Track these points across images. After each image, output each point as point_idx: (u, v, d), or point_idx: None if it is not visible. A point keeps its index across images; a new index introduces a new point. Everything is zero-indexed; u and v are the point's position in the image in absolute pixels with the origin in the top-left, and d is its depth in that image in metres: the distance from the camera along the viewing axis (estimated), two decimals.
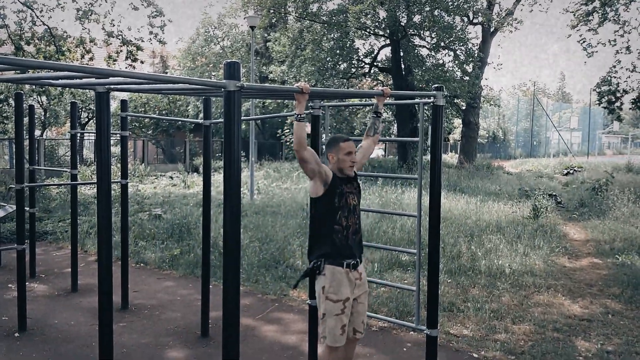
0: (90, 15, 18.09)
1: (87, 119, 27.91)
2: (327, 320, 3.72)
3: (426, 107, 4.53)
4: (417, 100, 4.36)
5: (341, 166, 3.73)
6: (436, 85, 4.16)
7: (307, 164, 3.60)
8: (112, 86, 3.32)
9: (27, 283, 6.38)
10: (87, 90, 24.55)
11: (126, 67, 18.33)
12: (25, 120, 6.84)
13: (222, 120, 2.85)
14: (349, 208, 3.69)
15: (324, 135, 5.34)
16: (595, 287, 7.70)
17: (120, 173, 7.11)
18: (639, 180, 18.60)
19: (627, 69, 15.15)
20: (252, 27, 18.78)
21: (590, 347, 5.57)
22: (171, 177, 22.86)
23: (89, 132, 9.69)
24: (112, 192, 12.83)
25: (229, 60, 2.80)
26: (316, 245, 3.76)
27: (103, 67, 3.27)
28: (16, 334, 5.83)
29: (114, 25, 18.49)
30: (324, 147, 7.66)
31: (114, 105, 24.45)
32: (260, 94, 4.26)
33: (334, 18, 23.24)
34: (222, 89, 2.77)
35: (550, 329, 6.04)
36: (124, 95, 16.70)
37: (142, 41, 18.79)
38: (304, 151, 3.53)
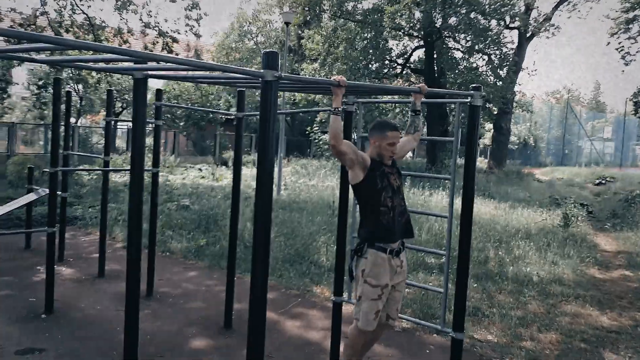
0: (129, 5, 18.34)
1: (121, 109, 28.32)
2: (363, 303, 3.71)
3: (461, 108, 4.45)
4: (452, 100, 4.29)
5: (382, 153, 3.72)
6: (474, 85, 4.09)
7: (345, 156, 3.58)
8: (150, 72, 3.34)
9: (55, 266, 6.48)
10: (123, 80, 24.92)
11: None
12: (62, 106, 6.96)
13: (254, 113, 2.84)
14: (392, 188, 3.68)
15: (354, 134, 5.31)
16: (625, 300, 7.52)
17: (152, 162, 7.17)
18: None
19: None
20: (287, 24, 18.81)
21: (617, 359, 5.44)
22: (200, 170, 23.04)
23: (123, 120, 9.83)
24: (144, 180, 12.88)
25: (267, 50, 2.79)
26: (363, 228, 3.75)
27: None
28: (43, 316, 5.93)
29: (151, 17, 18.73)
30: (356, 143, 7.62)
31: (149, 95, 24.74)
32: (297, 86, 4.25)
33: (369, 17, 23.13)
34: (260, 79, 2.75)
35: (577, 339, 5.91)
36: (159, 85, 16.90)
37: (178, 33, 18.98)
38: (341, 144, 3.51)
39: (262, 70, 2.75)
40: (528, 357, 5.38)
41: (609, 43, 15.45)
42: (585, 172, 30.24)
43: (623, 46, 15.60)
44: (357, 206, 4.00)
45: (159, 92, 6.90)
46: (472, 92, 4.04)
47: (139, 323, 3.77)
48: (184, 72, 3.73)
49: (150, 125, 11.79)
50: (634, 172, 33.79)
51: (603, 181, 24.73)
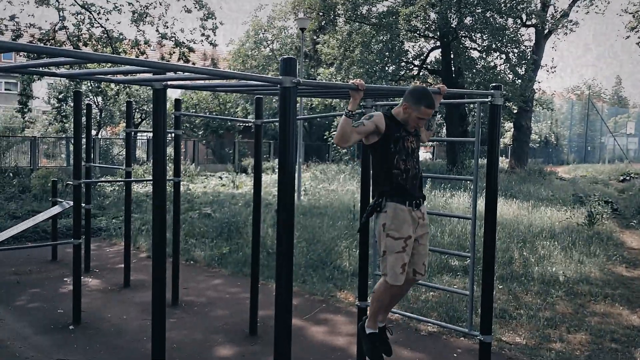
0: (145, 17, 18.55)
1: (140, 120, 28.63)
2: (388, 257, 3.64)
3: (482, 107, 4.41)
4: (473, 99, 4.26)
5: (407, 120, 3.63)
6: (494, 84, 4.05)
7: (356, 142, 3.59)
8: (169, 82, 3.36)
9: (82, 277, 6.55)
10: (141, 91, 25.19)
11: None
12: (83, 119, 7.04)
13: (272, 120, 2.83)
14: (406, 152, 3.61)
15: None
16: None
17: (173, 171, 7.22)
18: None
19: None
20: (302, 29, 18.86)
21: None
22: (220, 177, 23.19)
23: (143, 132, 9.94)
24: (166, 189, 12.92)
25: (285, 57, 2.79)
26: (376, 186, 3.70)
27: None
28: (71, 327, 6.00)
29: (167, 27, 18.91)
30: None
31: (168, 105, 24.98)
32: (315, 92, 4.25)
33: (384, 20, 23.09)
34: (278, 85, 2.75)
35: (607, 340, 5.81)
36: (177, 95, 17.04)
37: (194, 43, 19.14)
38: (345, 144, 3.49)
39: (280, 77, 2.75)
40: (558, 358, 5.29)
41: (628, 36, 15.24)
42: (609, 168, 29.78)
43: None
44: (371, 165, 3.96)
45: (177, 102, 6.95)
46: (492, 91, 4.00)
47: (167, 332, 3.79)
48: (202, 81, 3.75)
49: (170, 135, 11.88)
50: None
51: (627, 177, 24.31)
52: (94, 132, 24.73)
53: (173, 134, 7.01)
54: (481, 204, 4.35)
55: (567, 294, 7.36)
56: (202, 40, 19.32)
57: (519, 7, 22.62)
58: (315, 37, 31.10)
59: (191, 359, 5.23)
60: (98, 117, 25.10)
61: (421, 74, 26.86)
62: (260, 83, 3.44)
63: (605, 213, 13.02)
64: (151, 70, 3.51)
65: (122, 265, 7.87)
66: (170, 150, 15.80)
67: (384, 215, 3.63)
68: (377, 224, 3.68)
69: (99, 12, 18.17)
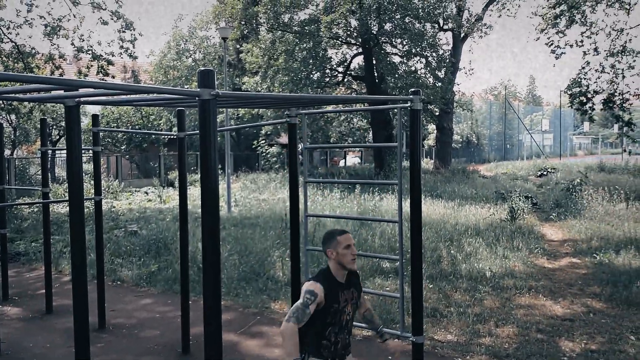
0: (59, 30, 17.79)
1: (58, 137, 27.45)
2: None
3: (403, 112, 4.48)
4: (393, 106, 4.33)
5: (342, 261, 3.41)
6: (413, 90, 4.13)
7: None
8: (82, 99, 3.22)
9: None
10: (57, 107, 24.16)
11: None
12: None
13: (196, 132, 2.76)
14: (340, 325, 3.40)
15: (300, 145, 5.29)
16: (575, 287, 7.75)
17: (93, 190, 6.94)
18: (611, 180, 18.90)
19: (595, 70, 15.38)
20: (224, 39, 18.71)
21: (574, 347, 5.57)
22: (146, 193, 22.56)
23: (59, 150, 9.50)
24: (86, 209, 12.45)
25: (203, 69, 2.73)
26: (302, 338, 3.35)
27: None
28: None
29: (83, 40, 18.21)
30: (300, 156, 7.57)
31: (86, 121, 24.10)
32: (236, 103, 4.18)
33: (306, 28, 23.26)
34: (197, 98, 2.69)
35: (533, 331, 6.04)
36: (96, 111, 16.45)
37: (113, 55, 18.54)
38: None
39: (198, 89, 2.69)
40: (488, 353, 5.45)
41: (538, 38, 16.13)
42: (527, 165, 31.21)
43: (552, 41, 16.16)
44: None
45: (95, 118, 6.70)
46: (411, 96, 4.07)
47: (93, 357, 3.61)
48: (120, 96, 3.61)
49: (89, 152, 11.45)
50: (573, 161, 35.11)
51: (545, 172, 25.55)
52: (7, 152, 23.48)
53: (92, 151, 6.75)
54: (408, 205, 4.41)
55: (494, 288, 7.61)
56: (121, 53, 18.75)
57: (435, 12, 23.38)
58: (238, 46, 30.88)
59: None
60: (12, 136, 23.86)
61: (345, 80, 27.22)
62: (179, 96, 3.35)
63: (525, 208, 13.60)
64: (63, 88, 3.35)
65: (44, 291, 7.48)
66: (90, 167, 15.21)
67: None
68: None
69: (9, 27, 17.28)
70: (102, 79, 18.15)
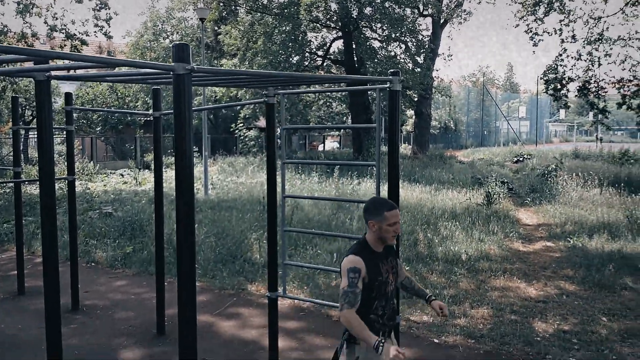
0: (32, 8, 17.37)
1: (31, 117, 26.91)
2: None
3: (382, 95, 4.45)
4: (372, 87, 4.29)
5: (383, 236, 3.26)
6: (392, 70, 4.10)
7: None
8: (53, 73, 3.12)
9: None
10: (31, 87, 23.65)
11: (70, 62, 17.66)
12: None
13: (171, 111, 2.68)
14: (386, 297, 3.30)
15: (278, 128, 5.23)
16: (549, 270, 7.86)
17: (67, 169, 6.81)
18: (586, 166, 19.17)
19: (572, 57, 15.55)
20: (202, 20, 18.44)
21: (547, 327, 5.66)
22: (122, 175, 22.28)
23: (31, 129, 9.29)
24: (60, 190, 12.27)
25: (178, 42, 2.66)
26: None
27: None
28: None
29: (57, 19, 17.81)
30: (278, 140, 7.49)
31: (60, 102, 23.65)
32: (212, 81, 4.10)
33: (286, 10, 23.04)
34: (171, 73, 2.62)
35: (508, 312, 6.12)
36: (70, 90, 16.12)
37: (87, 35, 18.18)
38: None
39: (173, 64, 2.62)
40: (463, 333, 5.50)
41: (517, 25, 16.14)
42: (504, 151, 31.53)
43: (531, 28, 16.26)
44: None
45: (68, 96, 6.54)
46: (390, 77, 4.04)
47: (66, 339, 3.55)
48: (93, 70, 3.52)
49: (63, 132, 11.24)
50: (549, 148, 35.56)
51: (521, 159, 25.86)
52: None
53: (65, 130, 6.61)
54: (386, 190, 4.40)
55: (469, 271, 7.69)
56: (95, 32, 18.42)
57: None
58: (216, 28, 30.50)
59: None
60: None
61: (325, 64, 27.10)
62: (153, 71, 3.27)
63: (501, 193, 13.74)
64: (33, 60, 3.25)
65: (16, 272, 7.35)
66: (64, 148, 14.97)
67: (358, 347, 3.25)
68: (348, 355, 3.30)
69: None
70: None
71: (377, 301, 3.26)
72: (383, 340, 3.00)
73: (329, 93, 31.92)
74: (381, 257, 3.29)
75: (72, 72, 4.23)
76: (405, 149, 32.59)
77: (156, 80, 3.79)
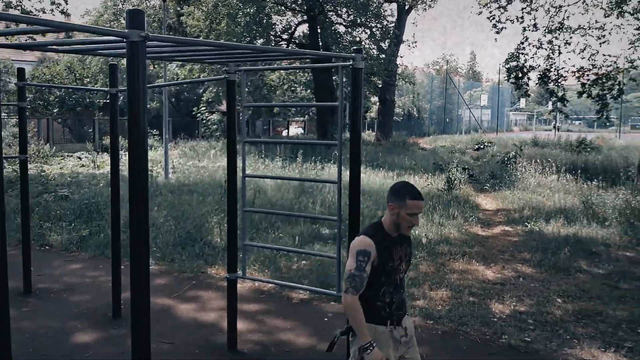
0: None
1: None
2: None
3: (345, 72, 4.39)
4: (335, 64, 4.23)
5: (399, 223, 3.09)
6: (355, 48, 4.04)
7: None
8: None
9: None
10: None
11: (26, 40, 17.02)
12: None
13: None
14: (395, 284, 3.13)
15: (239, 105, 5.12)
16: (507, 253, 7.98)
17: (18, 149, 6.55)
18: (544, 153, 19.54)
19: (533, 46, 15.75)
20: (164, 0, 18.00)
21: (504, 309, 5.74)
22: (79, 158, 21.70)
23: None
24: (13, 172, 11.80)
25: (131, 8, 2.54)
26: None
27: None
28: None
29: None
30: (241, 114, 7.36)
31: (15, 81, 22.84)
32: (169, 54, 3.96)
33: None
34: (124, 40, 2.50)
35: (466, 294, 6.18)
36: (28, 72, 15.55)
37: (44, 12, 17.59)
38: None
39: (126, 30, 2.49)
40: (422, 314, 5.54)
41: (480, 12, 16.22)
42: (466, 138, 31.93)
43: (494, 15, 16.37)
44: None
45: (20, 72, 6.28)
46: (353, 54, 3.98)
47: (17, 322, 3.41)
48: (43, 38, 3.35)
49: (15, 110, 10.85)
50: (509, 136, 36.18)
51: (482, 146, 26.22)
52: None
53: (18, 107, 6.35)
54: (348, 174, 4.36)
55: (430, 254, 7.75)
56: (52, 10, 17.80)
57: None
58: (179, 9, 29.86)
59: (48, 349, 4.81)
60: None
61: (289, 48, 26.86)
62: (104, 38, 3.12)
63: (462, 179, 13.91)
64: None
65: None
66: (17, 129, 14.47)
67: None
68: (354, 344, 3.13)
69: None
70: (32, 39, 17.18)
71: (386, 287, 3.10)
72: (374, 344, 2.92)
73: (294, 77, 31.73)
74: (395, 242, 3.12)
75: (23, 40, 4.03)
76: (369, 135, 32.67)
77: (110, 52, 3.63)
